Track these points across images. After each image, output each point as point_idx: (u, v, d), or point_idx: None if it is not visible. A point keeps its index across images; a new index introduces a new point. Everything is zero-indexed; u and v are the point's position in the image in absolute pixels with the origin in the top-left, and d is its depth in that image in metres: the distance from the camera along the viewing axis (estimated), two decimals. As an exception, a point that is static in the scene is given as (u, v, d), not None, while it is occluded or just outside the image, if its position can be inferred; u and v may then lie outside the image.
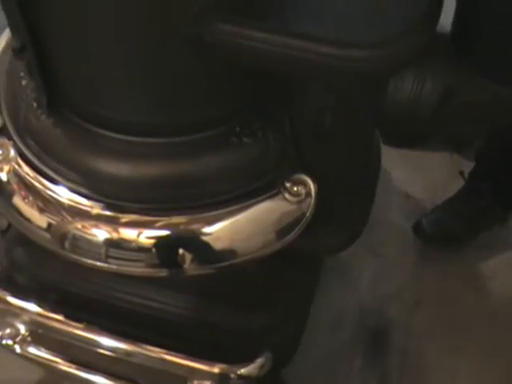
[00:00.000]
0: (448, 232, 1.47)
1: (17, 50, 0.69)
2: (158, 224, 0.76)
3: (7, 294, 0.99)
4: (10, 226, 1.00)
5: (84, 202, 0.77)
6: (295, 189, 0.76)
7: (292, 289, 0.99)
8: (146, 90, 0.68)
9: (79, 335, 0.98)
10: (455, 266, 1.43)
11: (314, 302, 1.15)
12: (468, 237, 1.46)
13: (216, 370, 0.93)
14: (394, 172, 1.51)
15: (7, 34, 0.89)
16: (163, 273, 0.79)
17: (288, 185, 0.76)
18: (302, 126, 0.73)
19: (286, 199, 0.76)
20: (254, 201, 0.76)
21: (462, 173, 1.44)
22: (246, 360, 0.93)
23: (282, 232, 0.78)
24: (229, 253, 0.77)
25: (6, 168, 0.78)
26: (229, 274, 0.85)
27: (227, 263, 0.77)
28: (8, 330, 0.99)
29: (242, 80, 0.69)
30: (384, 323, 1.36)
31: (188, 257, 0.77)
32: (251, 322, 0.95)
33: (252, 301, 0.94)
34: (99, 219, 0.76)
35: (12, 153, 0.78)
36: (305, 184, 0.76)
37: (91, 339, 0.98)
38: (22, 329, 0.99)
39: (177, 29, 0.61)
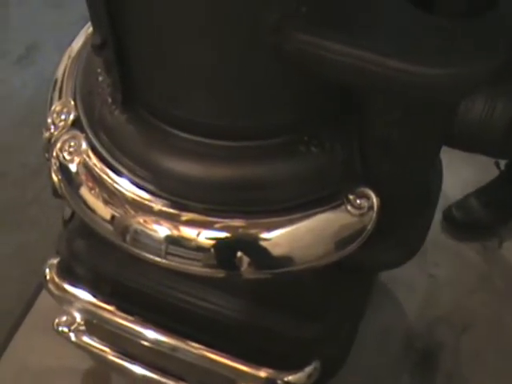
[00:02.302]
0: (477, 219, 1.46)
1: (97, 46, 0.71)
2: (218, 225, 0.77)
3: (65, 282, 1.01)
4: (72, 216, 1.03)
5: (148, 198, 0.78)
6: (358, 202, 0.76)
7: (346, 300, 0.99)
8: (222, 94, 0.69)
9: (128, 327, 1.00)
10: (508, 293, 1.41)
11: (363, 317, 1.15)
12: (496, 225, 1.45)
13: (262, 374, 0.94)
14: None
15: (86, 29, 0.92)
16: (220, 274, 0.80)
17: (351, 197, 0.76)
18: (370, 140, 0.73)
19: (348, 211, 0.76)
20: (316, 210, 0.76)
21: (497, 163, 1.43)
22: (295, 368, 0.93)
23: (341, 243, 0.78)
24: (287, 260, 0.77)
25: (77, 160, 0.80)
26: (285, 281, 0.85)
27: (284, 270, 0.78)
28: (64, 318, 1.02)
29: (315, 90, 0.70)
30: (432, 345, 1.34)
31: (245, 260, 0.77)
32: (304, 329, 0.95)
33: (307, 309, 0.94)
34: (161, 215, 0.78)
35: (84, 145, 0.80)
36: (368, 197, 0.76)
37: (140, 332, 0.99)
38: (78, 317, 1.02)
39: (256, 36, 0.62)
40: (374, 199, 0.77)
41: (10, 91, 1.71)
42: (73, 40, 0.93)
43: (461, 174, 1.52)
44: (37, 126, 0.90)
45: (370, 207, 0.77)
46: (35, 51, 1.81)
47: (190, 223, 0.77)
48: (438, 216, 1.44)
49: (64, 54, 0.92)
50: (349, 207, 0.76)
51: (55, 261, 1.02)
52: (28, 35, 1.83)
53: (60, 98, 0.86)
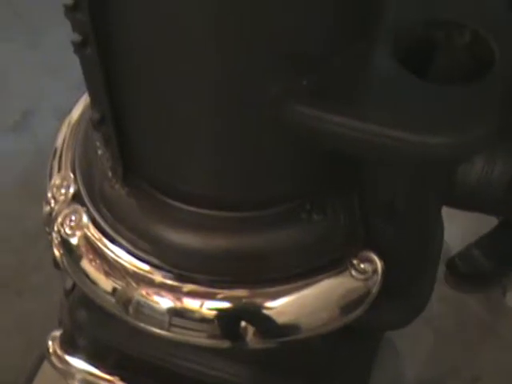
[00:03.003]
0: (480, 269, 1.46)
1: (95, 121, 0.71)
2: (221, 296, 0.76)
3: (68, 354, 1.00)
4: (74, 287, 1.02)
5: (149, 270, 0.78)
6: (362, 266, 0.76)
7: (355, 361, 0.98)
8: (224, 168, 0.70)
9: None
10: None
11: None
12: (499, 275, 1.44)
13: None
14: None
15: (85, 97, 0.91)
16: (225, 344, 0.79)
17: (355, 262, 0.76)
18: (372, 206, 0.73)
19: (352, 276, 0.76)
20: (319, 277, 0.76)
21: None
22: None
23: (347, 309, 0.77)
24: (292, 328, 0.77)
25: (78, 234, 0.80)
26: (292, 347, 0.84)
27: (290, 338, 0.77)
28: (68, 392, 1.00)
29: (318, 160, 0.70)
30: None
31: (250, 330, 0.76)
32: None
33: (315, 373, 0.93)
34: (163, 287, 0.77)
35: (85, 219, 0.80)
36: (372, 261, 0.76)
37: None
38: (82, 391, 1.00)
39: (254, 110, 0.62)
40: (378, 263, 0.76)
41: (6, 158, 1.71)
42: (70, 106, 0.92)
43: (461, 224, 1.52)
44: (34, 192, 0.90)
45: (374, 271, 0.76)
46: (31, 117, 1.81)
47: (192, 294, 0.76)
48: (440, 267, 1.43)
49: (63, 121, 0.92)
50: (353, 272, 0.76)
51: (58, 333, 1.01)
52: (24, 101, 1.84)
53: (59, 169, 0.86)
